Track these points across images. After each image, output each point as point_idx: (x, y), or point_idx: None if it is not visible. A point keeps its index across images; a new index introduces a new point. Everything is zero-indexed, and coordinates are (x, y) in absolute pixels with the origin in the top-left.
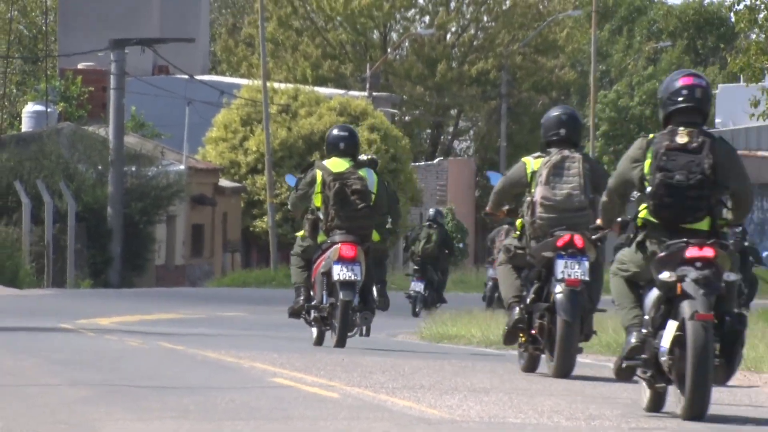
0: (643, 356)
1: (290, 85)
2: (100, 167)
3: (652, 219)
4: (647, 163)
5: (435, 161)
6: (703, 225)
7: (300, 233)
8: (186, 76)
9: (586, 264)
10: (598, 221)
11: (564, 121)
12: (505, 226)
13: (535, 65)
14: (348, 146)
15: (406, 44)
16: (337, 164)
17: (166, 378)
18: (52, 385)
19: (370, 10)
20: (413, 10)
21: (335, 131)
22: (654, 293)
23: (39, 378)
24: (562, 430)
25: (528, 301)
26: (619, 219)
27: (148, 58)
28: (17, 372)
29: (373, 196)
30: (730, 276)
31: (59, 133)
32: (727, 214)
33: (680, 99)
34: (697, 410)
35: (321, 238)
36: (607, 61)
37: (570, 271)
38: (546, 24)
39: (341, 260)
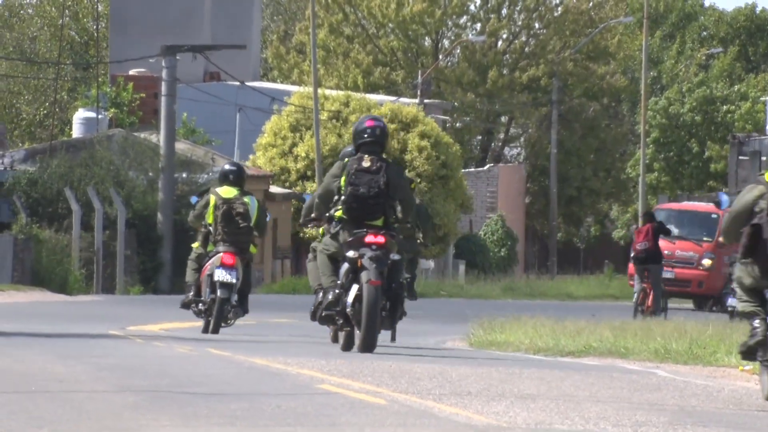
0: (337, 308)
1: (341, 92)
2: (150, 174)
3: (344, 217)
4: (343, 179)
5: (485, 168)
6: (379, 222)
7: (195, 244)
8: (237, 83)
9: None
10: (313, 215)
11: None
12: None
13: (587, 72)
14: (236, 178)
15: (458, 51)
16: (227, 192)
17: (214, 384)
18: (100, 391)
19: (422, 17)
20: (465, 17)
21: (226, 166)
22: (345, 266)
23: (87, 384)
24: None
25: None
26: (327, 215)
27: (199, 64)
28: (66, 378)
29: (253, 218)
30: (395, 256)
31: (110, 139)
32: (399, 213)
33: (366, 135)
34: (368, 345)
35: (210, 247)
36: (658, 67)
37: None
38: (597, 31)
39: (222, 266)
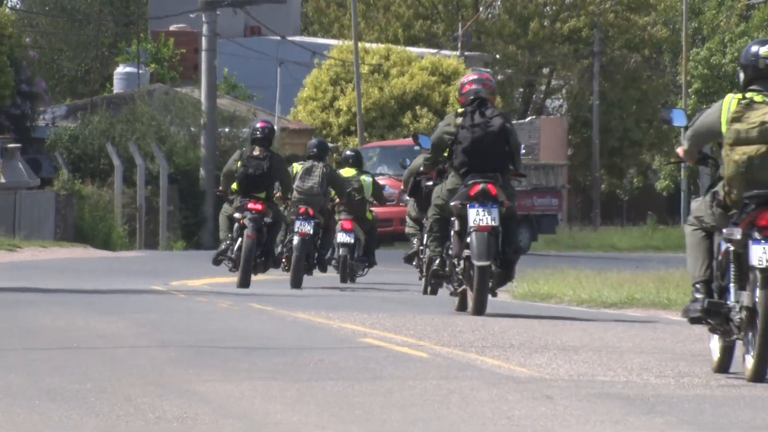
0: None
1: (382, 45)
2: (192, 129)
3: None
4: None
5: (527, 120)
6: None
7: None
8: (278, 38)
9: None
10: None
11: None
12: None
13: (628, 23)
14: (355, 161)
15: (498, 3)
16: (347, 172)
17: (256, 339)
18: (143, 347)
19: None
20: None
21: (347, 152)
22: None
23: (129, 340)
24: (651, 387)
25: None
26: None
27: (239, 19)
28: (108, 334)
29: (369, 192)
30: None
31: (151, 95)
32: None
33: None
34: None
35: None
36: (699, 18)
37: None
38: None
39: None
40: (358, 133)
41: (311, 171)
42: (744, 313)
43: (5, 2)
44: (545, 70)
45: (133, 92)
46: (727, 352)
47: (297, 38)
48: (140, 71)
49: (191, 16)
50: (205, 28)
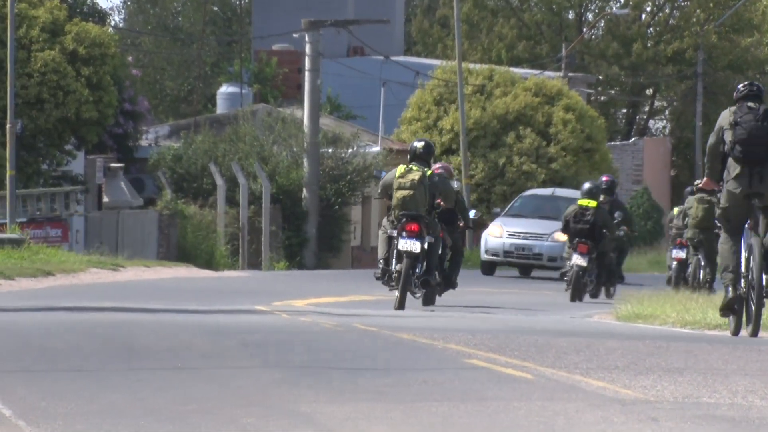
0: None
1: (485, 66)
2: (295, 149)
3: None
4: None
5: (630, 141)
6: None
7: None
8: (381, 57)
9: None
10: None
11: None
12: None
13: (731, 44)
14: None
15: (602, 24)
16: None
17: (360, 359)
18: (246, 367)
19: None
20: None
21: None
22: None
23: (233, 360)
24: (756, 409)
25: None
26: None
27: (342, 39)
28: (212, 354)
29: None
30: None
31: (254, 114)
32: None
33: None
34: None
35: None
36: None
37: None
38: (742, 2)
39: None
40: (461, 153)
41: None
42: None
43: (108, 21)
44: (648, 91)
45: (236, 112)
46: None
47: (400, 58)
48: (243, 91)
49: (294, 35)
50: (308, 48)
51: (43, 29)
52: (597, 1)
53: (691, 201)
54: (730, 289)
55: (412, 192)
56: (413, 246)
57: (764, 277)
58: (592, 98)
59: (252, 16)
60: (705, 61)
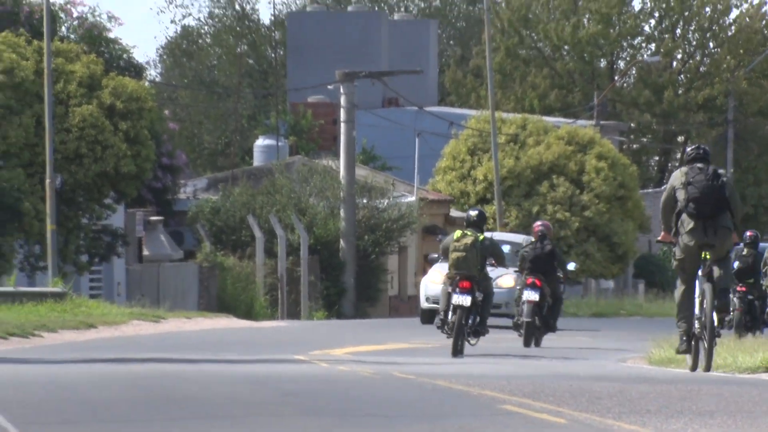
0: None
1: (518, 115)
2: (331, 200)
3: None
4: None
5: (663, 188)
6: None
7: None
8: (415, 108)
9: None
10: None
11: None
12: None
13: (761, 90)
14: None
15: (633, 71)
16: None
17: (397, 407)
18: (284, 415)
19: (597, 39)
20: (639, 38)
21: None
22: None
23: (271, 408)
24: None
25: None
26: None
27: (377, 90)
28: (251, 403)
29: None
30: None
31: (290, 167)
32: None
33: None
34: None
35: None
36: None
37: None
38: None
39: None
40: (495, 202)
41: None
42: None
43: (144, 75)
44: (680, 138)
45: (273, 164)
46: None
47: (434, 109)
48: (279, 143)
49: (329, 87)
50: (343, 100)
51: (80, 84)
52: (628, 49)
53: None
54: (684, 335)
55: (465, 254)
56: (464, 300)
57: (715, 318)
58: (625, 146)
59: (287, 68)
60: (735, 107)
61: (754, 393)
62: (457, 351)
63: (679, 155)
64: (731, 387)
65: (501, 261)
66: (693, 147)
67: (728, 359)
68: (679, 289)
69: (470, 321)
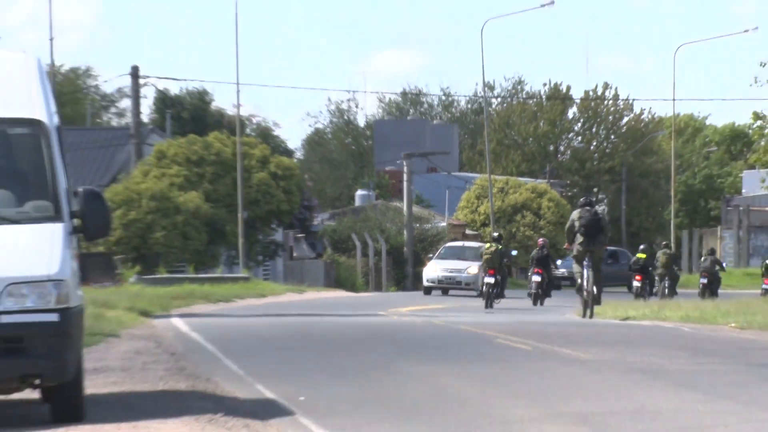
0: None
1: (503, 177)
2: (398, 225)
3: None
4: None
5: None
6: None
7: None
8: (445, 173)
9: None
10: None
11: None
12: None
13: (641, 162)
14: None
15: (568, 152)
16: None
17: (434, 341)
18: (372, 345)
19: (548, 134)
20: (572, 133)
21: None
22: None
23: (365, 342)
24: (663, 364)
25: None
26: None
27: (424, 163)
28: (354, 337)
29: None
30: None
31: (375, 206)
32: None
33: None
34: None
35: None
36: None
37: None
38: (648, 138)
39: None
40: (491, 226)
41: (490, 247)
42: None
43: (293, 155)
44: (595, 189)
45: (366, 205)
46: None
47: (457, 173)
48: (369, 192)
49: (398, 162)
50: (405, 169)
51: (257, 161)
52: (565, 140)
53: (659, 253)
54: (580, 294)
55: (491, 256)
56: (491, 280)
57: (594, 288)
58: (563, 194)
59: (374, 151)
60: (626, 172)
61: (638, 331)
62: (488, 306)
63: (595, 198)
64: (631, 328)
65: (511, 261)
66: (583, 198)
67: (639, 312)
68: (576, 269)
69: (494, 291)
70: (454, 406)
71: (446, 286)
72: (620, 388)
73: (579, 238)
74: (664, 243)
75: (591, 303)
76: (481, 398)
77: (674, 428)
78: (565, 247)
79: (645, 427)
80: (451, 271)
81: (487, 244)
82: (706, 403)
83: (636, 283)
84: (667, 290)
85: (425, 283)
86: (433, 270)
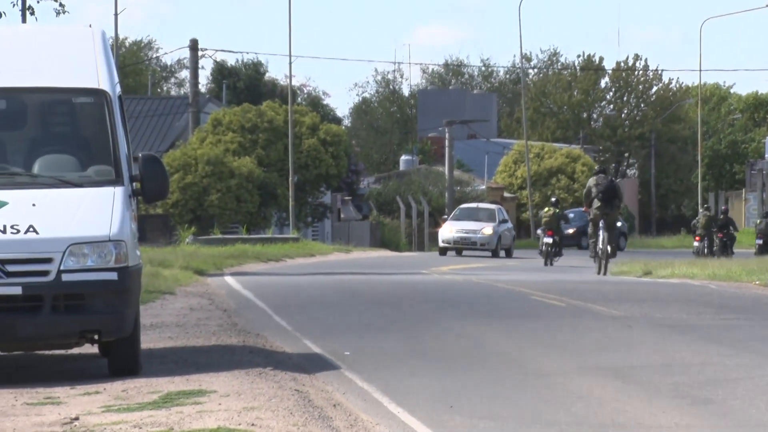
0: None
1: (539, 143)
2: (440, 188)
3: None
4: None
5: (617, 181)
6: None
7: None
8: (484, 139)
9: None
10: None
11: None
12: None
13: (669, 129)
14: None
15: (601, 119)
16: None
17: (473, 297)
18: (415, 303)
19: (581, 102)
20: (604, 102)
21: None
22: None
23: (409, 299)
24: (676, 318)
25: None
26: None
27: (465, 129)
28: (404, 295)
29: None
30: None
31: (418, 171)
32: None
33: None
34: None
35: None
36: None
37: None
38: (676, 105)
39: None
40: (527, 189)
41: (549, 211)
42: None
43: (341, 122)
44: (626, 155)
45: (410, 169)
46: None
47: (495, 139)
48: (413, 158)
49: (440, 129)
50: (447, 135)
51: (307, 128)
52: (598, 108)
53: (699, 214)
54: (595, 257)
55: (549, 219)
56: (549, 240)
57: (608, 247)
58: (596, 159)
59: (418, 119)
60: (655, 138)
61: (664, 289)
62: (547, 263)
63: (625, 164)
64: (662, 286)
65: (567, 221)
66: (597, 166)
67: (677, 270)
68: (592, 230)
69: (553, 250)
70: (491, 360)
71: (461, 247)
72: (650, 343)
73: (596, 203)
74: (705, 206)
75: (606, 261)
76: (518, 352)
77: (702, 381)
78: (583, 210)
79: (674, 379)
80: (466, 232)
81: (546, 208)
82: (732, 357)
83: (696, 243)
84: (706, 249)
85: (441, 244)
86: (449, 231)
